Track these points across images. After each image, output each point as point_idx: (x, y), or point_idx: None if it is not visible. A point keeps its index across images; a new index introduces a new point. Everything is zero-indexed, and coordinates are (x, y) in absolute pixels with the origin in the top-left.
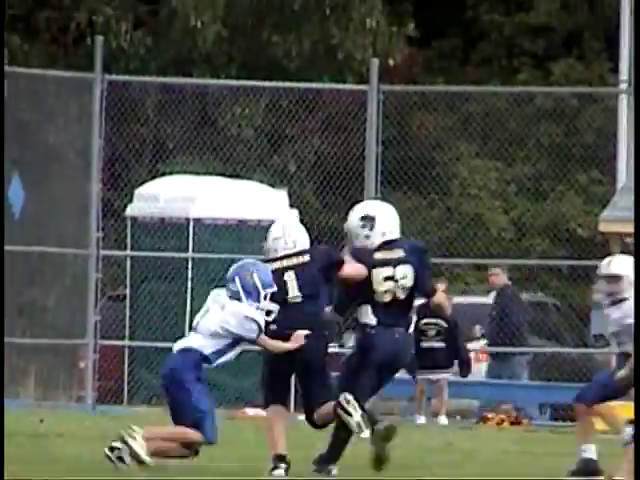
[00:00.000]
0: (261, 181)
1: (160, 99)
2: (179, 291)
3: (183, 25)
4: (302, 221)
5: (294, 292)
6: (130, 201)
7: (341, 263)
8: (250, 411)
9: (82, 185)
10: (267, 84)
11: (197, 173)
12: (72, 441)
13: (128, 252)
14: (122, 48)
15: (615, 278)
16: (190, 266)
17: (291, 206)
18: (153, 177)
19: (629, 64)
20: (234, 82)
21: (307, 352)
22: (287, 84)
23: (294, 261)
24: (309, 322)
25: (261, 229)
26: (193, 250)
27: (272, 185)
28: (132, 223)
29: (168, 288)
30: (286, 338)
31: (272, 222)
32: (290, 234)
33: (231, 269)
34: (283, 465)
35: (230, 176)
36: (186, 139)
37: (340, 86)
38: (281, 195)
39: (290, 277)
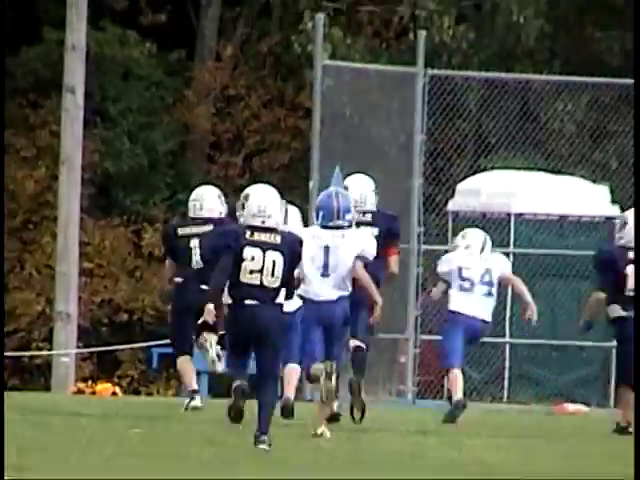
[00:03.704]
0: (583, 177)
1: (482, 94)
2: None
3: (506, 20)
4: None
5: None
6: (452, 196)
7: None
8: (570, 407)
9: (404, 179)
10: (589, 80)
11: (518, 168)
12: (392, 435)
13: (449, 247)
14: (444, 42)
15: None
16: (511, 261)
17: (613, 202)
18: (475, 172)
19: None
20: (556, 77)
21: None
22: (609, 80)
23: None
24: None
25: (582, 225)
26: (514, 245)
27: (594, 181)
28: (453, 218)
29: None
30: None
31: (594, 217)
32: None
33: None
34: None
35: (552, 171)
36: (508, 134)
37: None
38: (603, 191)
39: None
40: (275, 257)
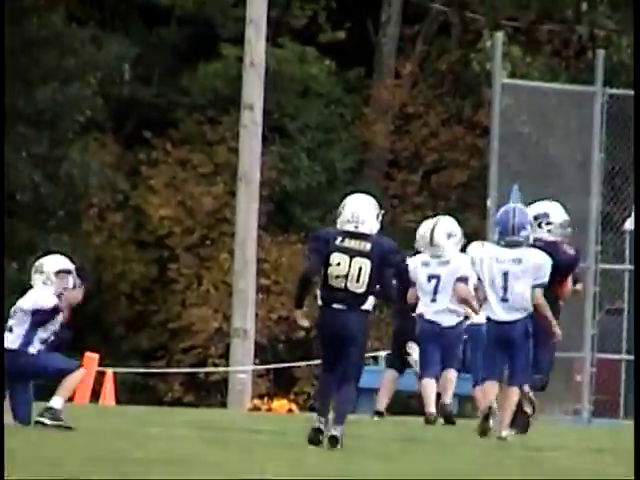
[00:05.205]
0: None
1: None
2: None
3: None
4: None
5: None
6: (629, 215)
7: None
8: None
9: (581, 198)
10: None
11: None
12: (566, 454)
13: (627, 266)
14: (622, 62)
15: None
16: None
17: None
18: None
19: None
20: None
21: None
22: None
23: None
24: None
25: None
26: None
27: None
28: (631, 237)
29: None
30: None
31: None
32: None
33: None
34: None
35: None
36: None
37: None
38: None
39: None
40: (362, 263)
